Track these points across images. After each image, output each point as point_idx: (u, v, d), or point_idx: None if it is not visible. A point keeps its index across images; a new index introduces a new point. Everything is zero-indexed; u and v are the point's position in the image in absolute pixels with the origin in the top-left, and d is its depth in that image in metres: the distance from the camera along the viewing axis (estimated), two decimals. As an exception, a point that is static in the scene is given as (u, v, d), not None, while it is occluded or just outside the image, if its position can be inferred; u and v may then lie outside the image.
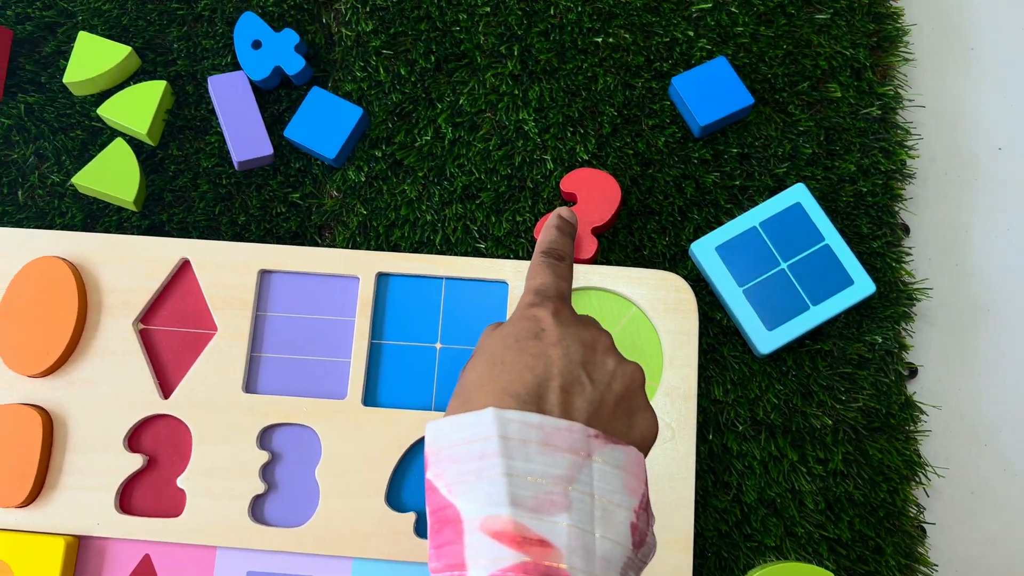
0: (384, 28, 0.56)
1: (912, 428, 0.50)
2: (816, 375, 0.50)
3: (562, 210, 0.43)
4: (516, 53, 0.55)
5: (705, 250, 0.51)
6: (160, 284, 0.51)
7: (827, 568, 0.48)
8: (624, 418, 0.36)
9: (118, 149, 0.53)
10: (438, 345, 0.51)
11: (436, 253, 0.53)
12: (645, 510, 0.34)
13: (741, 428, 0.50)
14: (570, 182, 0.52)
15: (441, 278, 0.51)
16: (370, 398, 0.50)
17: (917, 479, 0.50)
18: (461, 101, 0.55)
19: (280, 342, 0.51)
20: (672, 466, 0.48)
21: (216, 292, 0.50)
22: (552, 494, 0.31)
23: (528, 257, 0.52)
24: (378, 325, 0.51)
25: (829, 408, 0.50)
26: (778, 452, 0.49)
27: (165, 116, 0.55)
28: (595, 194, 0.52)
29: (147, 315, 0.51)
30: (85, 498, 0.48)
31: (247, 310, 0.50)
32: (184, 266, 0.51)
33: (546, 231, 0.44)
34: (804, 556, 0.48)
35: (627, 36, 0.55)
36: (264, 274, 0.51)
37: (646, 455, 0.37)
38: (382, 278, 0.51)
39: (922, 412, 0.51)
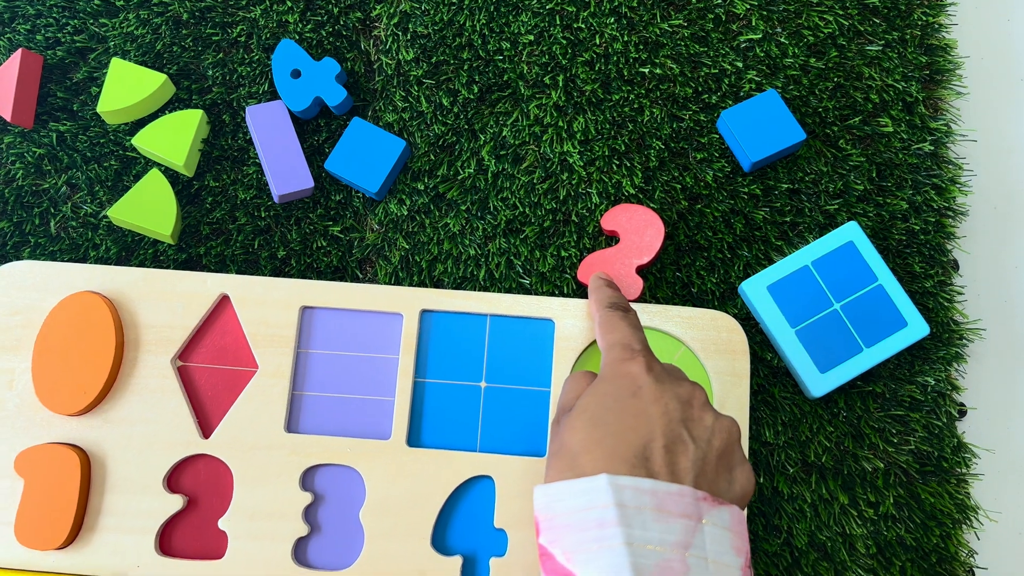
0: (425, 57, 0.54)
1: (964, 471, 0.50)
2: (867, 417, 0.50)
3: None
4: (560, 83, 0.54)
5: (756, 289, 0.50)
6: (199, 320, 0.50)
7: (879, 614, 0.47)
8: (725, 474, 0.36)
9: (154, 180, 0.52)
10: (483, 384, 0.50)
11: (479, 288, 0.52)
12: (750, 567, 0.34)
13: (792, 471, 0.49)
14: (612, 219, 0.51)
15: (486, 315, 0.50)
16: (414, 438, 0.49)
17: (969, 523, 0.49)
18: (504, 133, 0.53)
19: (322, 380, 0.50)
20: (722, 510, 0.47)
21: (257, 329, 0.49)
22: (671, 561, 0.32)
23: (574, 294, 0.51)
24: (421, 363, 0.50)
25: (880, 451, 0.49)
26: (829, 495, 0.49)
27: (201, 146, 0.53)
28: (638, 231, 0.51)
29: (185, 352, 0.50)
30: (124, 540, 0.47)
31: (289, 347, 0.49)
32: (223, 302, 0.50)
33: (597, 291, 0.46)
34: (855, 602, 0.48)
35: (674, 67, 0.54)
36: (306, 310, 0.50)
37: (743, 509, 0.37)
38: (425, 315, 0.50)
39: (974, 456, 0.50)
